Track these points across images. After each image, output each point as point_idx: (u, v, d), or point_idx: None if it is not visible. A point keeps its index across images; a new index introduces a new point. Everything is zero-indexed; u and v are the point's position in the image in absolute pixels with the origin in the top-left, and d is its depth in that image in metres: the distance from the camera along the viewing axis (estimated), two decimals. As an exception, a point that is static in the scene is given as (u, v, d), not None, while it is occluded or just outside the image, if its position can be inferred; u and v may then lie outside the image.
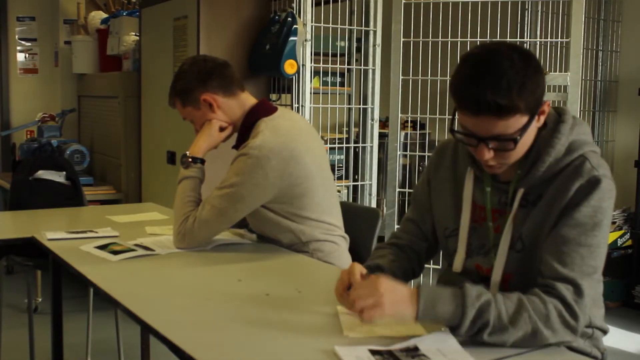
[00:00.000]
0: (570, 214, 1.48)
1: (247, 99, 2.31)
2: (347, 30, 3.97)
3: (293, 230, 2.24)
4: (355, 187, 4.05)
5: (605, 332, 1.71)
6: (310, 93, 3.67)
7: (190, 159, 2.28)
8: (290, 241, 2.25)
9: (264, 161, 2.10)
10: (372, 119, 4.02)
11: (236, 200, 2.14)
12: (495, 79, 1.42)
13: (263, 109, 2.27)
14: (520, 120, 1.45)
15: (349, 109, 4.13)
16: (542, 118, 1.53)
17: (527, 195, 1.56)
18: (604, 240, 1.49)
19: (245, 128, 2.27)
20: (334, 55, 3.91)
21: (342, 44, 3.96)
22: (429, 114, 3.94)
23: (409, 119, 4.99)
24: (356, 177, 4.05)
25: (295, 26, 3.54)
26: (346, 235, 2.36)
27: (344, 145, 4.01)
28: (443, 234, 1.75)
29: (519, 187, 1.57)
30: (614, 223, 4.43)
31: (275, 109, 2.29)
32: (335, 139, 3.97)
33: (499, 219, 1.61)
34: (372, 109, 4.02)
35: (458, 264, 1.67)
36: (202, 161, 2.30)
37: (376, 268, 1.69)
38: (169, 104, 2.37)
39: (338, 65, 3.93)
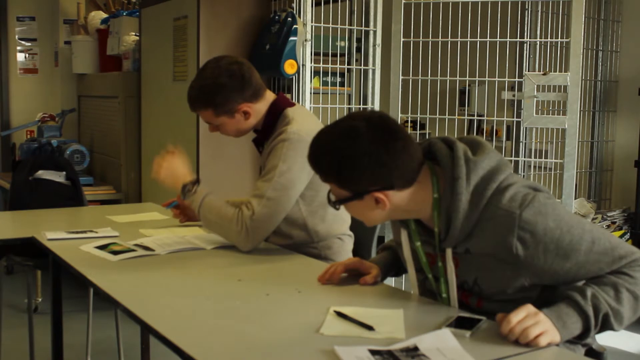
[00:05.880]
0: (543, 256, 1.48)
1: (269, 96, 2.35)
2: (347, 30, 3.97)
3: (308, 229, 2.28)
4: (355, 187, 4.05)
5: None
6: (310, 93, 3.67)
7: (189, 185, 2.24)
8: (301, 239, 2.29)
9: (305, 144, 2.11)
10: (372, 119, 4.01)
11: (288, 187, 2.16)
12: (323, 150, 1.59)
13: (284, 101, 2.34)
14: (344, 193, 1.58)
15: (349, 109, 4.13)
16: (382, 207, 1.57)
17: (455, 248, 1.59)
18: (588, 227, 1.51)
19: (270, 119, 2.30)
20: (334, 55, 3.91)
21: (342, 44, 3.96)
22: (429, 114, 3.94)
23: (409, 119, 4.98)
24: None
25: (295, 26, 3.54)
26: (351, 233, 2.41)
27: (344, 145, 4.00)
28: None
29: (445, 246, 1.59)
30: (614, 223, 4.42)
31: (293, 102, 2.37)
32: (335, 139, 3.97)
33: (438, 258, 1.64)
34: (372, 109, 4.02)
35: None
36: (198, 181, 2.29)
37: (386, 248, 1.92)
38: (192, 110, 2.32)
39: (338, 65, 3.93)
